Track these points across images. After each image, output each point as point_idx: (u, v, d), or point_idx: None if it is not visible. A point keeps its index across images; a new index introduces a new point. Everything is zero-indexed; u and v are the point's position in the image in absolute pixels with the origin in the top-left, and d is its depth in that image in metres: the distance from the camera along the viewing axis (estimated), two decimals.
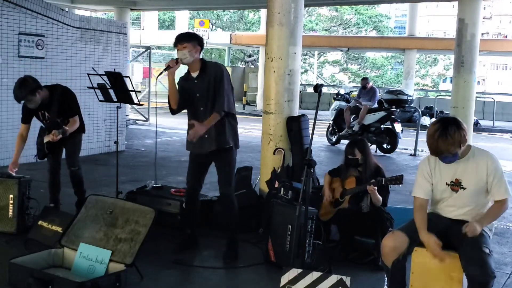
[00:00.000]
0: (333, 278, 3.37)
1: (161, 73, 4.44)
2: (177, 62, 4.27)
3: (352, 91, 14.54)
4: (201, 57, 4.45)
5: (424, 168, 3.53)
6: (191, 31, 4.61)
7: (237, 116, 4.58)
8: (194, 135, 4.27)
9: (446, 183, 3.46)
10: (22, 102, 4.99)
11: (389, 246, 3.43)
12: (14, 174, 5.03)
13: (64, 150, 5.30)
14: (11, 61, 8.05)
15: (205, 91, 4.35)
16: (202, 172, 4.63)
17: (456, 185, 3.44)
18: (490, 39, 31.24)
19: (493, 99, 19.93)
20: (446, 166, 3.45)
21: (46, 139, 5.00)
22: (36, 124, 5.25)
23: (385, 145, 11.18)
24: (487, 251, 3.22)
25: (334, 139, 12.33)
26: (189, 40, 4.32)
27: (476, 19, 11.96)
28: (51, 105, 5.01)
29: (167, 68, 4.25)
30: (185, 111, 4.53)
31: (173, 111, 4.45)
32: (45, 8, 8.53)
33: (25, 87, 4.84)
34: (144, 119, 15.45)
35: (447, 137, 3.29)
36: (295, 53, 5.73)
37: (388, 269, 3.48)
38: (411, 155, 11.17)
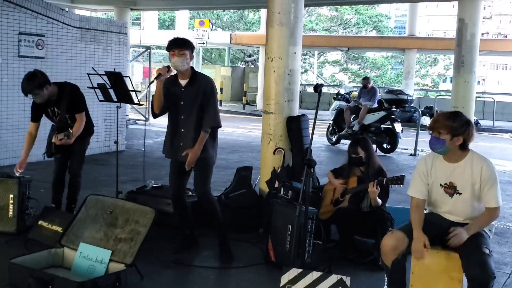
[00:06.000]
0: (333, 278, 3.37)
1: (152, 82, 4.40)
2: (168, 70, 4.25)
3: (352, 91, 14.54)
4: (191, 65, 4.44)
5: (421, 168, 3.51)
6: (185, 37, 4.57)
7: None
8: (189, 164, 4.31)
9: (440, 184, 3.44)
10: (31, 98, 4.98)
11: (389, 246, 3.42)
12: (18, 174, 4.98)
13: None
14: (11, 61, 8.05)
15: (191, 101, 4.34)
16: (183, 177, 4.61)
17: (449, 188, 3.41)
18: (490, 39, 31.24)
19: (493, 99, 19.92)
20: (442, 167, 3.43)
21: (53, 140, 5.02)
22: (47, 122, 5.24)
23: (385, 145, 11.18)
24: (487, 251, 3.21)
25: (334, 139, 12.33)
26: (187, 47, 4.30)
27: (476, 19, 11.98)
28: (60, 102, 5.01)
29: (159, 76, 4.23)
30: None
31: (155, 115, 4.47)
32: (45, 8, 8.53)
33: (33, 81, 4.84)
34: (144, 119, 15.45)
35: (448, 116, 3.29)
36: (295, 53, 5.72)
37: (388, 269, 3.48)
38: (411, 155, 11.17)
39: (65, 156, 5.21)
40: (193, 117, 4.35)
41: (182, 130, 4.40)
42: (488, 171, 3.31)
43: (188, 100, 4.35)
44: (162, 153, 4.66)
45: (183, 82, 4.38)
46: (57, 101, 5.03)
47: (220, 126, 4.51)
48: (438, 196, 3.48)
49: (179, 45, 4.26)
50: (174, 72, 4.38)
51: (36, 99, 4.94)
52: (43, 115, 5.16)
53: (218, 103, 4.46)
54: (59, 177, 5.24)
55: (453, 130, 3.28)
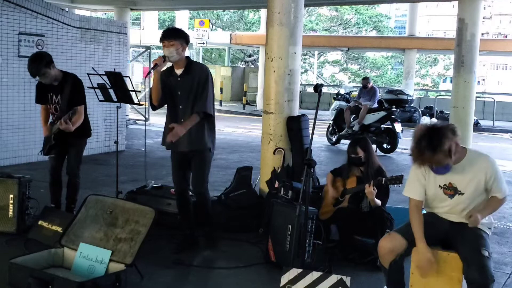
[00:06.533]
0: (333, 278, 3.37)
1: (149, 73, 4.42)
2: (164, 60, 4.27)
3: (352, 91, 14.57)
4: (186, 55, 4.46)
5: (417, 170, 3.44)
6: (175, 27, 4.61)
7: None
8: (173, 137, 4.30)
9: (439, 185, 3.40)
10: (37, 80, 4.99)
11: (386, 248, 3.40)
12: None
13: (67, 155, 5.27)
14: (11, 61, 8.04)
15: (188, 90, 4.36)
16: (185, 171, 4.62)
17: (449, 189, 3.37)
18: (490, 39, 31.23)
19: (493, 99, 19.93)
20: None
21: (55, 129, 4.98)
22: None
23: (385, 145, 11.18)
24: (486, 254, 3.19)
25: (334, 139, 12.34)
26: (176, 37, 4.31)
27: (476, 19, 11.95)
28: (62, 90, 5.01)
29: (155, 66, 4.25)
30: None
31: (154, 107, 4.48)
32: (45, 8, 8.53)
33: (41, 60, 4.86)
34: (144, 119, 15.45)
35: (436, 145, 3.09)
36: (295, 53, 5.72)
37: (386, 270, 3.47)
38: (411, 155, 11.14)
39: (59, 156, 5.20)
40: (191, 106, 4.37)
41: (182, 120, 4.40)
42: (491, 167, 3.29)
43: (185, 90, 4.37)
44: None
45: (178, 71, 4.41)
46: (58, 88, 5.03)
47: (211, 115, 4.45)
48: (436, 197, 3.45)
49: (167, 36, 4.30)
50: (170, 63, 4.40)
51: (44, 79, 4.94)
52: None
53: (212, 92, 4.45)
54: (54, 177, 5.23)
55: (450, 152, 3.14)
